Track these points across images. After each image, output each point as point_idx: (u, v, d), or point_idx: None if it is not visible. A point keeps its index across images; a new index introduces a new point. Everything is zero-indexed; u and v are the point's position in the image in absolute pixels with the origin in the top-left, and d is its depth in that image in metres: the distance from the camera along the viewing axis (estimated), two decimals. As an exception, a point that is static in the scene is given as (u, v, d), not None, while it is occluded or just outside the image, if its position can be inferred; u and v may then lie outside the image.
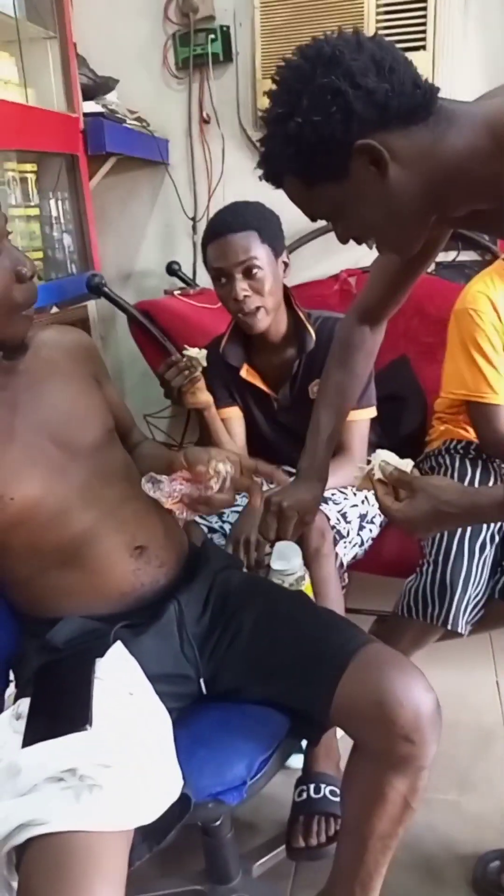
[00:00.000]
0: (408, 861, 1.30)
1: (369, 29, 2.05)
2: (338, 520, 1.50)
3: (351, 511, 1.54)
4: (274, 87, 0.86)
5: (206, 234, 1.53)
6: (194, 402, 1.47)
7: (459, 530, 1.46)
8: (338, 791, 1.32)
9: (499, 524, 1.53)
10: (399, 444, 1.82)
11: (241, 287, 1.48)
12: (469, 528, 1.46)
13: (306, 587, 1.36)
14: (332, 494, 1.53)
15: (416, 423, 1.91)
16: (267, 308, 1.51)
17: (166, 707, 0.96)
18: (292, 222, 1.56)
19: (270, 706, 1.05)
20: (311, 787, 1.33)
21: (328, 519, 1.47)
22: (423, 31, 2.09)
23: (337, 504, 1.52)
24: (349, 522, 1.53)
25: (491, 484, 1.58)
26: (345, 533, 1.50)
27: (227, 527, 1.59)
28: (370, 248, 0.94)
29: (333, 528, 1.47)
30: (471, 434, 1.68)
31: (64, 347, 1.14)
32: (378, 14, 2.08)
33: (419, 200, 0.85)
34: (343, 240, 0.93)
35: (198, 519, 1.56)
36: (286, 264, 1.57)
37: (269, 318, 1.54)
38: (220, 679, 1.08)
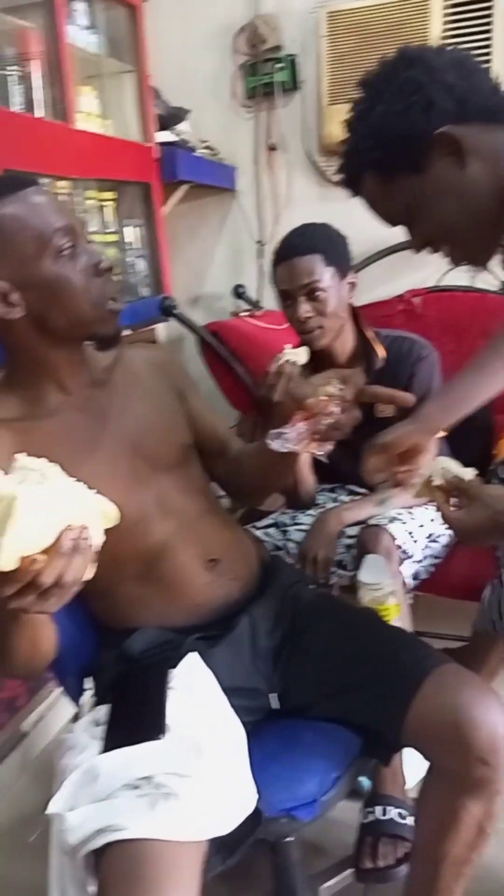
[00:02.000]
0: (481, 892, 1.26)
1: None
2: (404, 540, 1.49)
3: (418, 531, 1.53)
4: (357, 93, 0.89)
5: (275, 257, 1.57)
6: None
7: None
8: (405, 813, 1.31)
9: None
10: (466, 464, 1.81)
11: (304, 308, 1.51)
12: None
13: (395, 606, 1.35)
14: (400, 514, 1.53)
15: (483, 442, 1.88)
16: (327, 328, 1.53)
17: (241, 720, 0.97)
18: (359, 243, 1.59)
19: (342, 724, 1.04)
20: (379, 808, 1.32)
21: (394, 538, 1.46)
22: (489, 56, 2.09)
23: (405, 524, 1.51)
24: (416, 542, 1.51)
25: None
26: (411, 553, 1.49)
27: (290, 544, 1.60)
28: (445, 255, 0.94)
29: (399, 547, 1.46)
30: None
31: (148, 363, 1.18)
32: (443, 39, 2.09)
33: (497, 202, 0.85)
34: (418, 246, 0.94)
35: (262, 536, 1.57)
36: (353, 284, 1.58)
37: (329, 338, 1.55)
38: (290, 695, 1.08)
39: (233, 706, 0.98)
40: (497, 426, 1.95)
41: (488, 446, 1.89)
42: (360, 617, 1.15)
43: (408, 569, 1.48)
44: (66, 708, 1.84)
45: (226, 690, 0.99)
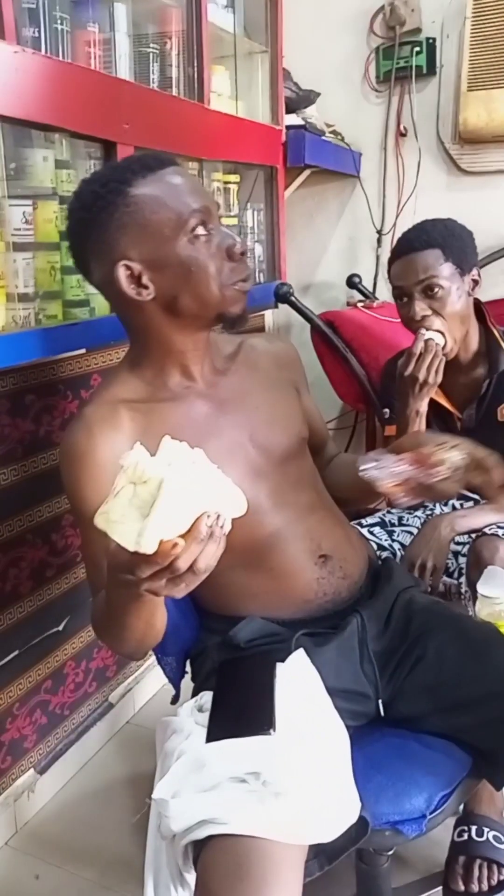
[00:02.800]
0: None
1: None
2: None
3: None
4: None
5: (392, 253, 1.51)
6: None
7: None
8: (502, 837, 1.25)
9: None
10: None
11: (420, 307, 1.43)
12: None
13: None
14: None
15: None
16: (444, 330, 1.44)
17: (345, 723, 0.94)
18: (489, 235, 1.51)
19: (452, 740, 0.99)
20: (474, 829, 1.26)
21: None
22: None
23: None
24: None
25: None
26: None
27: (396, 546, 1.55)
28: None
29: None
30: None
31: (270, 354, 1.16)
32: None
33: None
34: None
35: (367, 535, 1.52)
36: (476, 282, 1.50)
37: (451, 345, 1.46)
38: (398, 704, 1.03)
39: (337, 708, 0.94)
40: None
41: None
42: (480, 631, 1.08)
43: None
44: (153, 683, 1.86)
45: (331, 691, 0.95)
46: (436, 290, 1.43)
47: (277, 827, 0.77)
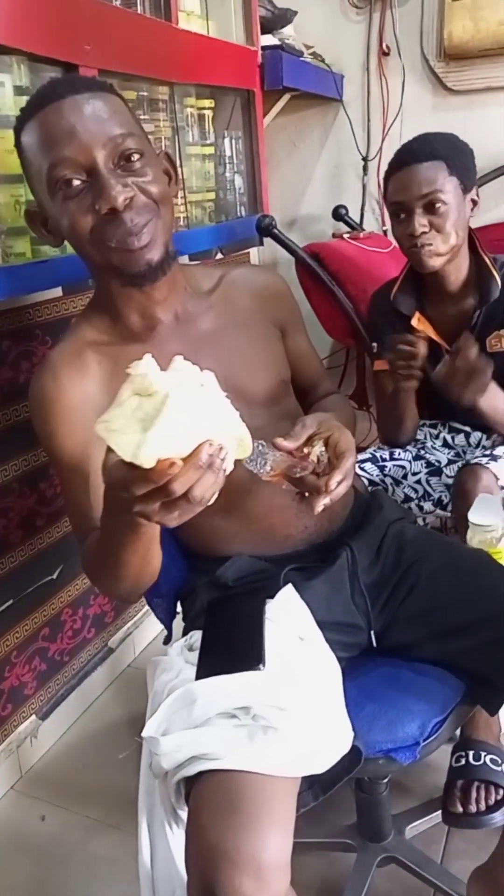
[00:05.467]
0: None
1: None
2: None
3: None
4: None
5: (390, 166, 1.42)
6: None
7: None
8: (499, 760, 1.27)
9: None
10: None
11: (421, 223, 1.35)
12: None
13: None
14: (502, 453, 1.42)
15: None
16: (441, 248, 1.38)
17: (337, 656, 0.93)
18: (476, 158, 1.44)
19: (445, 667, 0.99)
20: (471, 753, 1.28)
21: (497, 478, 1.36)
22: None
23: None
24: None
25: None
26: None
27: (388, 480, 1.53)
28: None
29: (502, 487, 1.36)
30: None
31: (253, 289, 1.09)
32: None
33: None
34: None
35: (357, 470, 1.50)
36: (475, 202, 1.43)
37: (442, 261, 1.41)
38: (391, 633, 1.03)
39: (328, 641, 0.93)
40: None
41: None
42: (472, 556, 1.07)
43: None
44: (152, 628, 1.87)
45: (322, 624, 0.94)
46: (438, 205, 1.35)
47: (268, 761, 0.77)
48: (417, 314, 1.52)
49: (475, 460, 1.39)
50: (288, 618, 0.93)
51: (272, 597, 0.94)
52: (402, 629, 1.02)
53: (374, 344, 1.58)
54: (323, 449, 0.89)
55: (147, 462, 0.57)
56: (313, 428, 0.89)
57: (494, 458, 1.40)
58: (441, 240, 1.38)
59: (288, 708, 0.80)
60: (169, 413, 0.58)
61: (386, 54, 2.19)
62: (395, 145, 1.94)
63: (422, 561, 1.05)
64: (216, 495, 0.64)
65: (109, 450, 0.59)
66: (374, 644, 1.03)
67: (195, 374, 0.63)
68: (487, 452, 1.44)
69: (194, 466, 0.60)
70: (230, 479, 0.99)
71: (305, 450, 0.88)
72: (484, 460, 1.38)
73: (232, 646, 0.89)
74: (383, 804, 1.21)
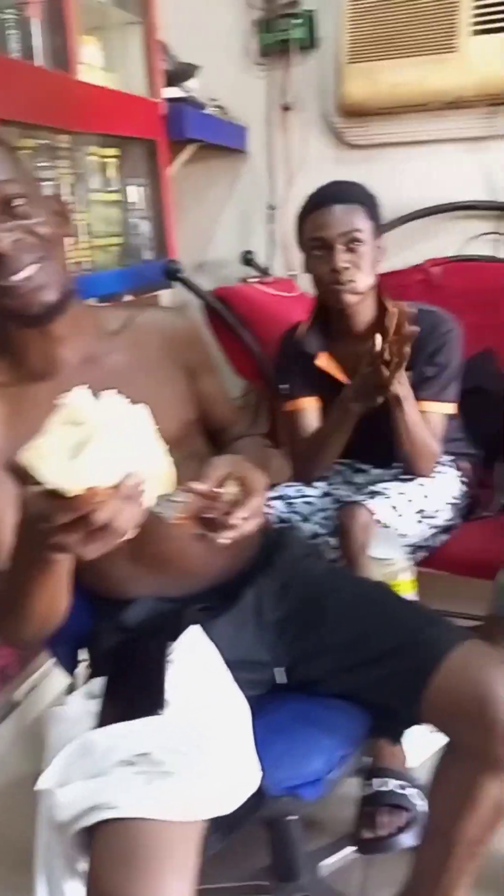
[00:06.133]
0: (491, 874, 1.23)
1: (464, 6, 1.96)
2: (386, 514, 1.44)
3: (406, 506, 1.47)
4: None
5: (308, 206, 1.48)
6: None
7: None
8: (405, 784, 1.29)
9: None
10: (481, 440, 1.76)
11: (343, 258, 1.42)
12: None
13: (411, 581, 1.31)
14: (387, 489, 1.48)
15: (500, 418, 1.83)
16: (360, 288, 1.45)
17: (244, 694, 0.93)
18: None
19: (352, 700, 1.01)
20: (378, 780, 1.31)
21: (372, 514, 1.41)
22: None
23: (389, 498, 1.46)
24: (401, 517, 1.46)
25: None
26: (395, 528, 1.44)
27: (296, 517, 1.56)
28: None
29: (380, 522, 1.41)
30: None
31: (162, 332, 1.09)
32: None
33: None
34: None
35: (266, 508, 1.52)
36: (382, 249, 1.51)
37: (359, 298, 1.48)
38: (300, 669, 1.04)
39: (236, 680, 0.94)
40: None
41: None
42: (377, 590, 1.11)
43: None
44: (59, 678, 1.81)
45: (229, 663, 0.95)
46: (358, 244, 1.42)
47: (165, 806, 0.76)
48: (323, 354, 1.58)
49: (354, 498, 1.45)
50: (193, 659, 0.93)
51: (176, 639, 0.94)
52: (309, 665, 1.04)
53: (284, 385, 1.62)
54: (236, 490, 0.89)
55: (73, 489, 0.58)
56: (226, 469, 0.89)
57: (375, 494, 1.46)
58: (360, 277, 1.44)
59: (188, 751, 0.80)
60: (97, 443, 0.59)
61: (288, 109, 2.29)
62: (300, 195, 2.02)
63: (328, 597, 1.07)
64: (136, 528, 0.64)
65: (30, 481, 0.59)
66: (283, 681, 1.04)
67: (125, 406, 0.65)
68: (367, 490, 1.49)
69: (119, 496, 0.61)
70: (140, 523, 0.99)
71: (218, 490, 0.88)
72: (362, 498, 1.43)
73: (133, 692, 0.88)
74: (296, 842, 1.20)
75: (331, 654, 1.02)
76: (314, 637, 1.04)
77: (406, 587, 1.24)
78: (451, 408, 1.56)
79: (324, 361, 1.57)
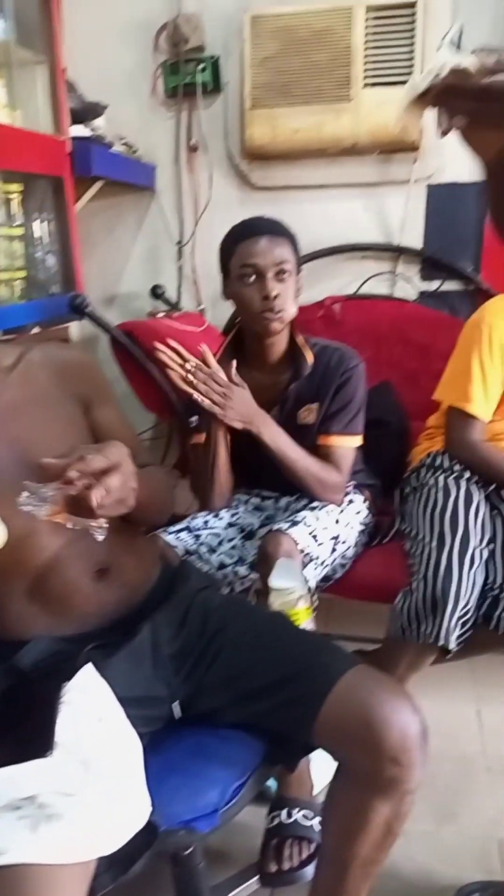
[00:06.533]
0: (385, 893, 1.26)
1: (356, 61, 2.09)
2: (307, 543, 1.49)
3: (322, 533, 1.53)
4: None
5: (237, 235, 1.52)
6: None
7: (447, 544, 1.46)
8: (310, 814, 1.31)
9: (484, 537, 1.53)
10: (381, 469, 1.84)
11: (275, 286, 1.48)
12: (458, 543, 1.47)
13: (306, 609, 1.34)
14: (304, 516, 1.53)
15: (398, 448, 1.92)
16: (286, 317, 1.52)
17: (138, 731, 0.94)
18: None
19: (249, 729, 1.03)
20: (284, 811, 1.32)
21: (296, 543, 1.46)
22: (410, 65, 2.11)
23: (308, 526, 1.51)
24: (321, 545, 1.51)
25: (473, 506, 1.59)
26: (315, 556, 1.49)
27: (203, 549, 1.58)
28: None
29: (302, 551, 1.46)
30: None
31: (54, 366, 1.11)
32: (366, 47, 2.10)
33: None
34: None
35: (173, 540, 1.54)
36: (301, 285, 1.58)
37: (282, 327, 1.54)
38: (197, 702, 1.05)
39: (131, 716, 0.94)
40: (412, 433, 1.99)
41: (402, 454, 1.92)
42: (271, 621, 1.13)
43: (313, 572, 1.48)
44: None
45: (124, 700, 0.95)
46: (285, 276, 1.49)
47: (53, 850, 0.75)
48: None
49: (276, 526, 1.48)
50: (85, 699, 0.92)
51: (70, 679, 0.94)
52: (206, 697, 1.05)
53: (193, 418, 1.65)
54: (94, 456, 0.90)
55: None
56: (80, 451, 0.92)
57: (295, 523, 1.50)
58: (288, 306, 1.50)
59: (76, 792, 0.80)
60: None
61: (194, 150, 2.36)
62: (207, 233, 2.07)
63: (225, 628, 1.09)
64: None
65: None
66: (179, 715, 1.05)
67: None
68: (289, 518, 1.54)
69: None
70: (34, 561, 0.99)
71: (73, 467, 0.88)
72: (285, 526, 1.48)
73: (22, 735, 0.87)
74: (200, 876, 1.19)
75: (226, 685, 1.04)
76: (210, 669, 1.06)
77: (303, 616, 1.27)
78: (358, 440, 1.63)
79: None
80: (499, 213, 0.89)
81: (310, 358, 1.59)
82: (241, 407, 1.51)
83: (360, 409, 1.61)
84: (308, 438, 1.60)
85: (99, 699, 0.94)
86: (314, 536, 1.49)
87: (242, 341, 1.63)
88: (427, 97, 0.70)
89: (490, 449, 1.66)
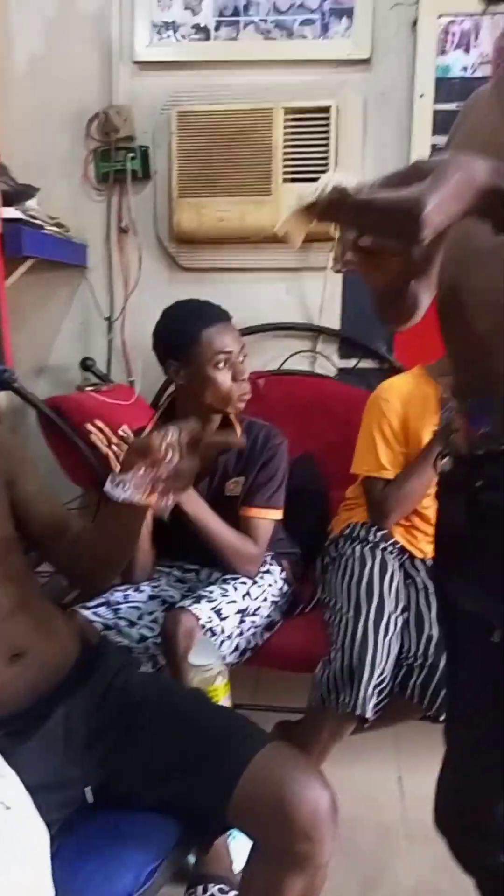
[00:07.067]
0: None
1: (277, 159, 2.25)
2: (210, 618, 1.52)
3: (228, 607, 1.57)
4: None
5: (198, 320, 1.62)
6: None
7: (364, 613, 1.52)
8: (226, 889, 1.32)
9: (399, 605, 1.60)
10: (301, 537, 1.91)
11: (244, 369, 1.62)
12: (373, 611, 1.53)
13: (224, 685, 1.36)
14: (211, 591, 1.57)
15: (318, 517, 1.99)
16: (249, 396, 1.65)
17: (51, 815, 0.93)
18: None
19: (164, 810, 1.03)
20: (200, 888, 1.33)
21: (198, 619, 1.49)
22: (326, 161, 2.28)
23: (211, 601, 1.55)
24: (225, 619, 1.55)
25: (388, 575, 1.66)
26: (219, 630, 1.52)
27: (122, 623, 1.59)
28: None
29: (204, 626, 1.49)
30: None
31: None
32: (285, 146, 2.27)
33: None
34: None
35: (91, 616, 1.55)
36: None
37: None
38: (112, 784, 1.06)
39: (44, 803, 0.93)
40: (332, 502, 2.07)
41: (323, 522, 2.00)
42: (188, 701, 1.15)
43: (226, 648, 1.52)
44: None
45: (34, 787, 0.94)
46: (245, 358, 1.64)
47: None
48: None
49: (179, 603, 1.52)
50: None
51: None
52: (122, 779, 1.06)
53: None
54: (174, 433, 0.99)
55: None
56: (146, 440, 1.00)
57: (199, 599, 1.54)
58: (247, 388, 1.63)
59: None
60: None
61: (125, 231, 2.45)
62: (137, 310, 2.15)
63: (142, 710, 1.10)
64: None
65: None
66: (92, 800, 1.05)
67: None
68: (194, 595, 1.57)
69: None
70: None
71: (160, 450, 0.97)
72: (187, 603, 1.51)
73: None
74: None
75: (141, 767, 1.05)
76: (125, 751, 1.07)
77: (222, 692, 1.29)
78: (278, 514, 1.71)
79: None
80: (381, 310, 1.04)
81: (239, 431, 1.68)
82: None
83: (281, 483, 1.70)
84: (233, 510, 1.66)
85: (5, 787, 0.93)
86: (218, 612, 1.53)
87: (173, 416, 1.70)
88: (313, 209, 0.79)
89: (400, 487, 1.77)
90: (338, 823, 0.98)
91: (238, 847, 1.37)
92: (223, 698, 1.29)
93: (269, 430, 1.72)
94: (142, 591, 1.66)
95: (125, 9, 2.37)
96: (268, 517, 1.69)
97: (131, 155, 2.39)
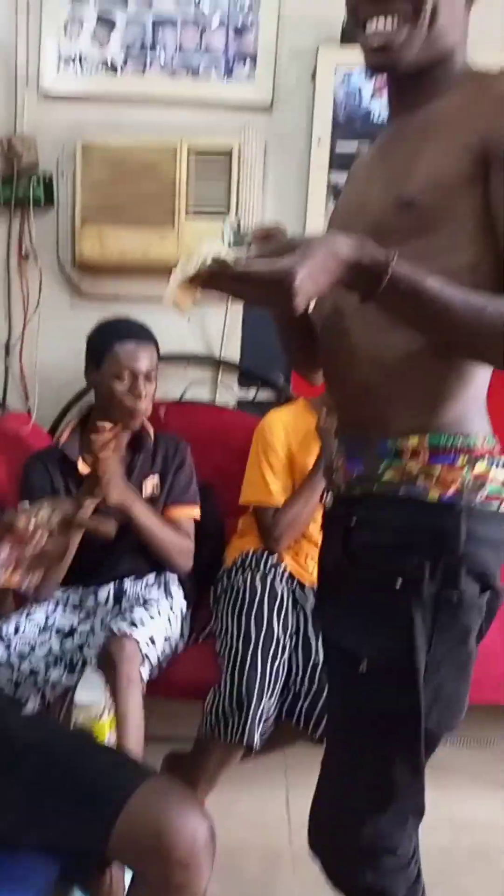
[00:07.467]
0: None
1: (180, 194, 2.30)
2: (147, 643, 1.54)
3: (159, 633, 1.60)
4: None
5: (115, 332, 1.75)
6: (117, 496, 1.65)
7: (252, 643, 1.57)
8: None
9: (287, 631, 1.66)
10: (196, 569, 1.94)
11: (145, 390, 1.71)
12: (262, 639, 1.58)
13: (110, 720, 1.36)
14: (140, 617, 1.59)
15: (211, 551, 2.03)
16: (146, 413, 1.77)
17: None
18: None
19: (45, 851, 1.03)
20: None
21: (138, 643, 1.51)
22: (227, 201, 2.35)
23: (146, 627, 1.57)
24: (153, 645, 1.57)
25: (277, 601, 1.72)
26: (151, 657, 1.55)
27: (13, 657, 1.57)
28: None
29: (141, 652, 1.51)
30: None
31: None
32: (189, 184, 2.31)
33: None
34: None
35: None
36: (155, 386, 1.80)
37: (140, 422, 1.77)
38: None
39: None
40: (229, 532, 2.12)
41: (218, 553, 2.04)
42: (68, 743, 1.15)
43: (145, 672, 1.54)
44: None
45: None
46: (152, 379, 1.73)
47: None
48: (83, 461, 1.73)
49: (118, 629, 1.53)
50: None
51: None
52: (1, 824, 1.05)
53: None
54: (49, 509, 0.96)
55: None
56: (22, 513, 0.98)
57: (135, 624, 1.56)
58: (148, 406, 1.74)
59: None
60: None
61: (26, 257, 2.44)
62: (36, 335, 2.14)
63: (21, 753, 1.09)
64: None
65: None
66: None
67: None
68: (126, 617, 1.59)
69: None
70: None
71: (28, 528, 0.95)
72: (125, 627, 1.53)
73: None
74: None
75: (19, 811, 1.04)
76: (7, 794, 1.06)
77: (108, 727, 1.30)
78: (196, 511, 1.85)
79: (83, 466, 1.73)
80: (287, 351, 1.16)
81: (151, 432, 1.83)
82: (119, 481, 1.64)
83: (194, 482, 1.87)
84: (151, 506, 1.76)
85: None
86: (151, 639, 1.57)
87: (88, 422, 1.79)
88: (196, 280, 0.84)
89: (286, 513, 1.86)
90: (216, 851, 1.01)
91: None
92: (109, 732, 1.29)
93: (175, 438, 1.89)
94: (33, 622, 1.65)
95: (32, 38, 2.38)
96: (192, 514, 1.84)
97: (35, 182, 2.39)
